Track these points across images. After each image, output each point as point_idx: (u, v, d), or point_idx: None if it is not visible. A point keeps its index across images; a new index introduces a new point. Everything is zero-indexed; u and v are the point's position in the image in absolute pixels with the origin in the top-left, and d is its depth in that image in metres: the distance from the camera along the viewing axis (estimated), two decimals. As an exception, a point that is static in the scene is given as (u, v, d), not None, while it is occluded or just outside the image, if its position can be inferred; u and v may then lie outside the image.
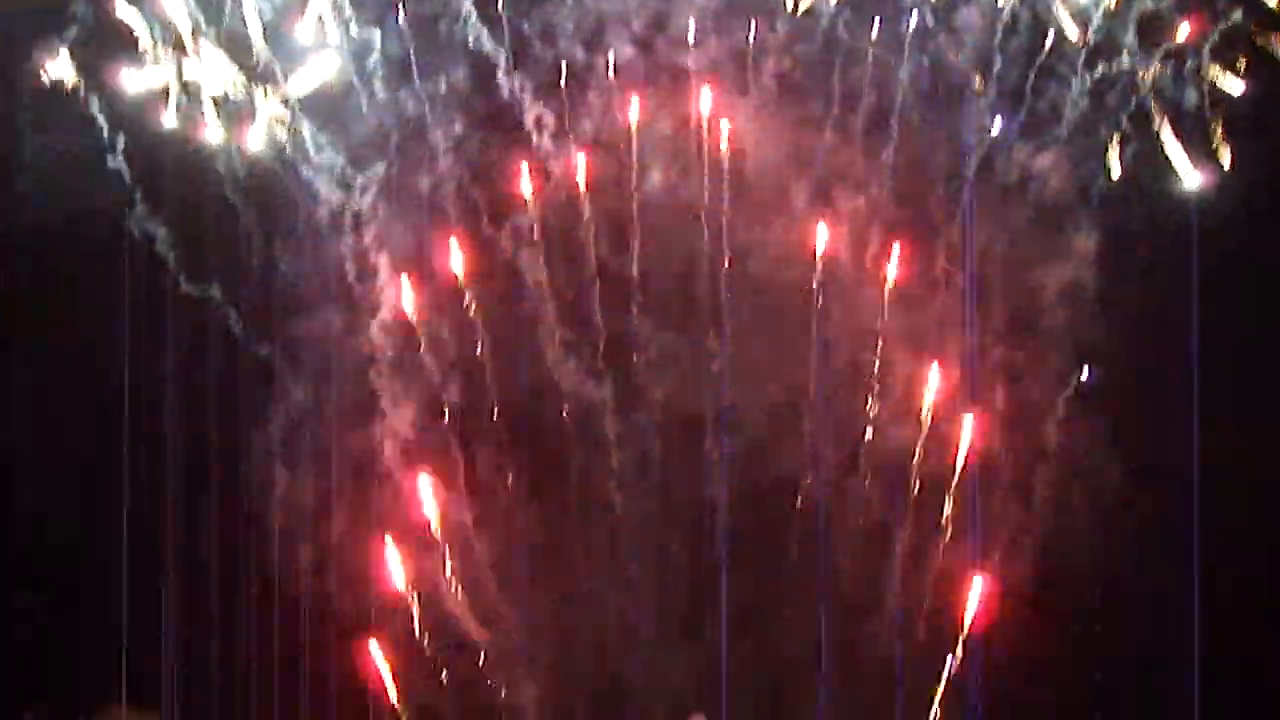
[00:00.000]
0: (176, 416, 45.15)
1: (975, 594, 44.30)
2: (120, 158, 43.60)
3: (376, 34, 43.99)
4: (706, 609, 46.76)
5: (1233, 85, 43.01)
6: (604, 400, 46.45)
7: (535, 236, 45.53)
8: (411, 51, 44.38)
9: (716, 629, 46.46)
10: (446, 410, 45.70)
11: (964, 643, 44.50)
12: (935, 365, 44.83)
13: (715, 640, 46.39)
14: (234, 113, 43.33)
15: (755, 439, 46.38)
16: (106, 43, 43.01)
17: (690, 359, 46.44)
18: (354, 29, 43.85)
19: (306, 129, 44.04)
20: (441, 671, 45.30)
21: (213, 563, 44.83)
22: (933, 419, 44.99)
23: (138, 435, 44.99)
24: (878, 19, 44.58)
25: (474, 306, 45.53)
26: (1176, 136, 43.31)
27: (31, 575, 45.12)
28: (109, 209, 44.02)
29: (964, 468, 44.76)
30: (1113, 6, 43.18)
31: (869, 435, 45.61)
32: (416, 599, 44.84)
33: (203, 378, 45.09)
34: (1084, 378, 44.36)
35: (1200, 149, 43.51)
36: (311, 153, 44.35)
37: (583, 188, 45.42)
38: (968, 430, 44.54)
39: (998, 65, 44.30)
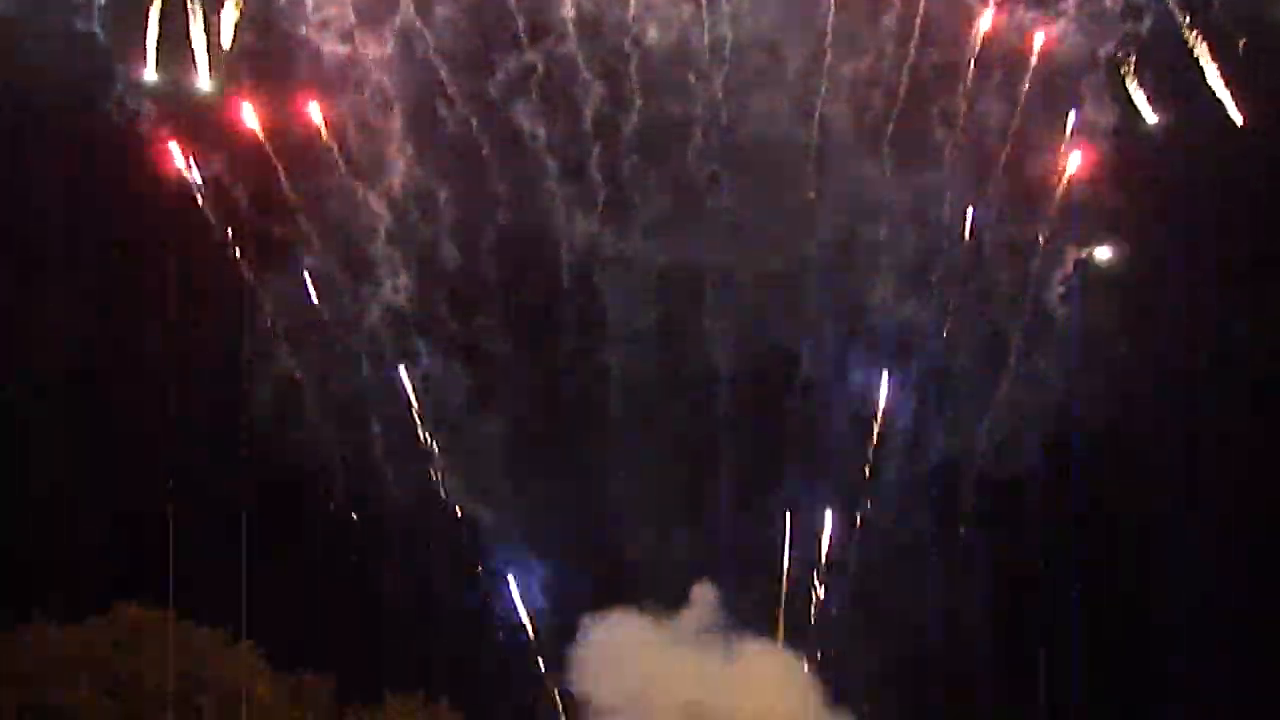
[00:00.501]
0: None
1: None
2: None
3: None
4: (706, 478, 47.52)
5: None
6: (601, 258, 45.91)
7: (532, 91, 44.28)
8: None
9: (717, 498, 47.47)
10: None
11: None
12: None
13: (716, 510, 47.42)
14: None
15: (755, 305, 46.51)
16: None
17: (689, 219, 45.94)
18: None
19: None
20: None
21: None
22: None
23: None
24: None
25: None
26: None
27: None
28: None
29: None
30: None
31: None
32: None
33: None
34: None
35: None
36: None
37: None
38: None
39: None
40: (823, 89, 44.51)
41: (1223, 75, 42.68)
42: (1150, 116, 43.61)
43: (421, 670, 43.93)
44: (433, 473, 45.81)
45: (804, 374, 46.82)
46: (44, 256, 45.04)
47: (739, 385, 46.80)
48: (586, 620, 45.21)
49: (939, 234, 45.84)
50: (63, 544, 42.51)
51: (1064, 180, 44.51)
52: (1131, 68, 43.63)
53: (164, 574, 42.65)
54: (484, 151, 44.54)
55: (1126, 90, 43.64)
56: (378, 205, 43.98)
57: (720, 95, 44.85)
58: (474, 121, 44.25)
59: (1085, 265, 45.09)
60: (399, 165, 43.53)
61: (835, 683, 45.43)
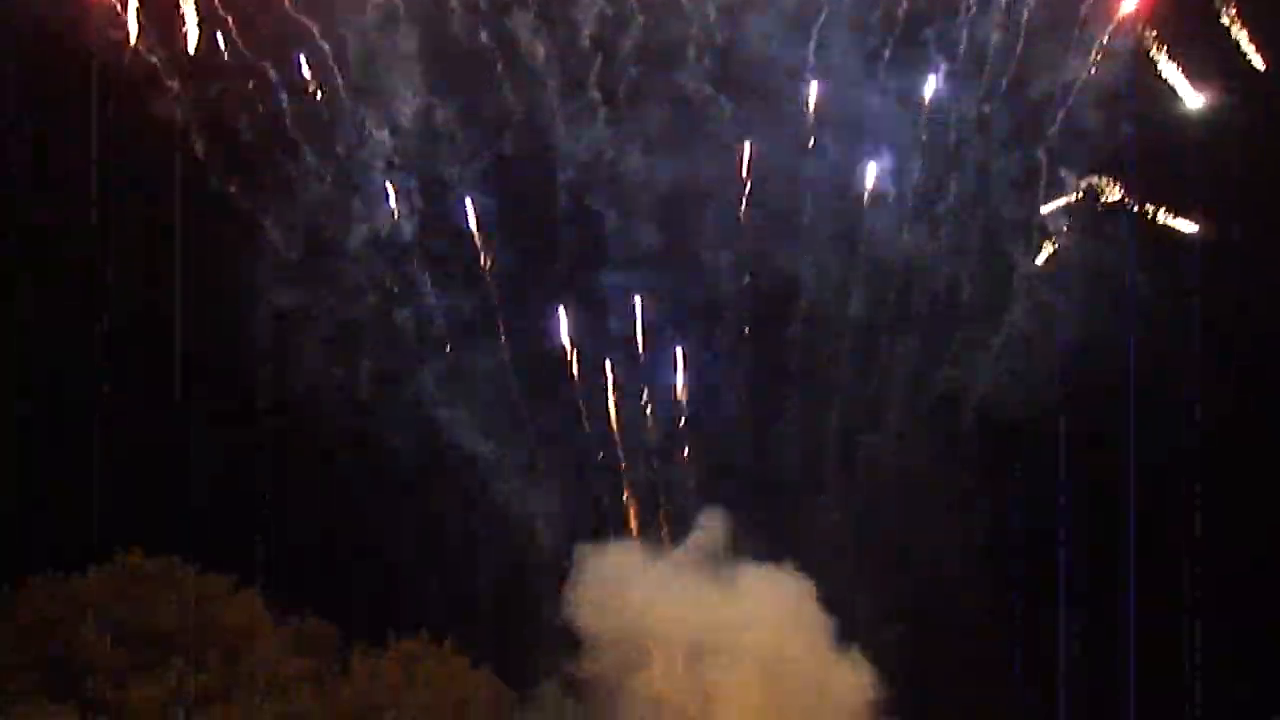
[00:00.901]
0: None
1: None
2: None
3: None
4: (710, 403, 47.29)
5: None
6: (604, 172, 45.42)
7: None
8: None
9: (727, 424, 47.22)
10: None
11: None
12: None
13: (725, 435, 47.25)
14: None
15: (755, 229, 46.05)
16: None
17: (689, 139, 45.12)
18: None
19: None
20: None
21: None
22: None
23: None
24: None
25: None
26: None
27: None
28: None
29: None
30: None
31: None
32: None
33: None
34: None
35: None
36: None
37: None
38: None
39: None
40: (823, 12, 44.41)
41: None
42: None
43: (426, 611, 44.08)
44: (433, 406, 46.18)
45: (805, 301, 46.76)
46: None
47: (740, 309, 46.76)
48: (582, 550, 45.05)
49: (941, 160, 45.78)
50: (64, 493, 43.06)
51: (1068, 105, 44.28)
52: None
53: (167, 522, 43.38)
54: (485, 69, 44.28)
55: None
56: (373, 125, 43.87)
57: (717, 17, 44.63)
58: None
59: (1091, 195, 44.85)
60: (397, 82, 43.29)
61: (846, 615, 45.17)
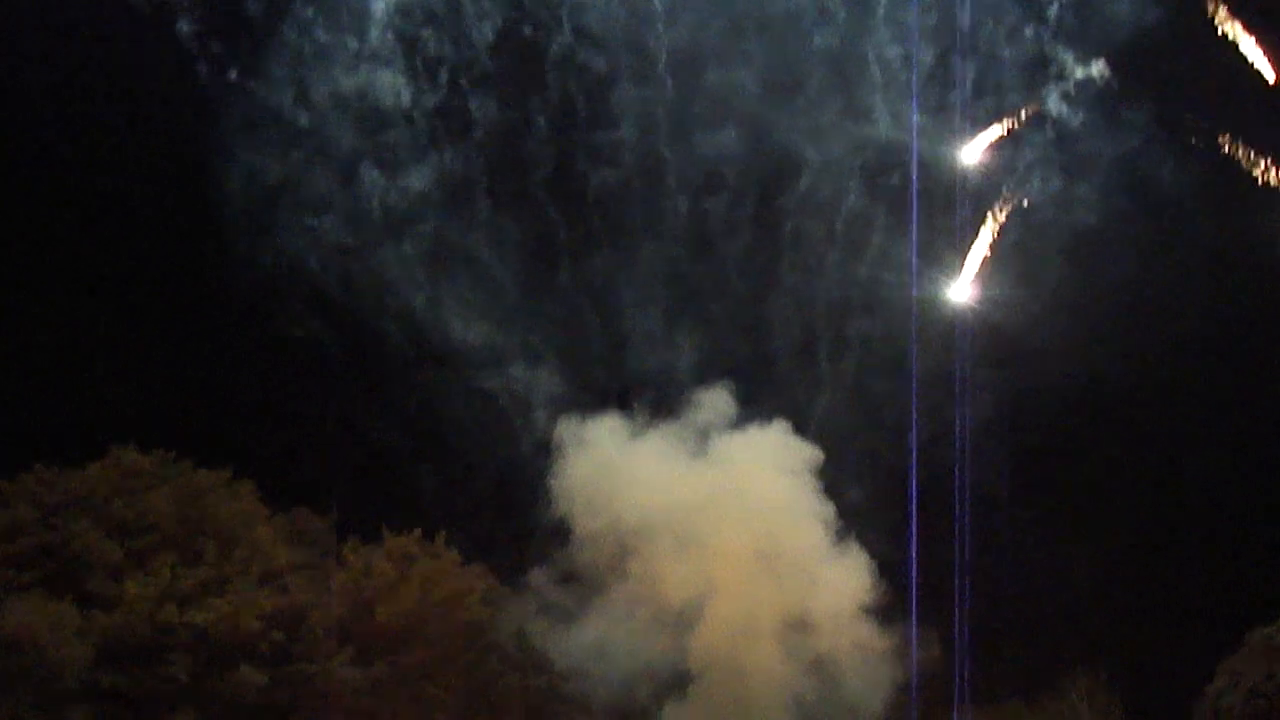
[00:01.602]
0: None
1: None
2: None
3: None
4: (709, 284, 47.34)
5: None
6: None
7: None
8: None
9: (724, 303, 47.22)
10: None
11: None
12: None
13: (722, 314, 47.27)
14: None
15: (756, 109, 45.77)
16: None
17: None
18: None
19: None
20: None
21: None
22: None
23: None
24: None
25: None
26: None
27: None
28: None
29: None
30: None
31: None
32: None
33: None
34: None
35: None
36: None
37: None
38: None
39: None
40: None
41: None
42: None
43: (419, 505, 44.52)
44: (422, 285, 46.01)
45: (805, 181, 46.61)
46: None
47: (738, 188, 46.77)
48: (567, 427, 44.89)
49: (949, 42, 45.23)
50: (61, 389, 43.18)
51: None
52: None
53: (162, 416, 43.55)
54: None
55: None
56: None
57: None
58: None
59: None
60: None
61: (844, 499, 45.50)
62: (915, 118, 44.90)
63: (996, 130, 45.06)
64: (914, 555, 43.69)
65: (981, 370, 45.38)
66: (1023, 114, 44.94)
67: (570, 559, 43.95)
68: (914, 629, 43.66)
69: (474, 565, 43.73)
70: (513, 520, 45.03)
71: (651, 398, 45.72)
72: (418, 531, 43.42)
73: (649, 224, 46.94)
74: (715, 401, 44.98)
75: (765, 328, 47.46)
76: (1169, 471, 45.71)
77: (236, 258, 44.02)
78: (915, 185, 44.44)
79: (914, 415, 44.20)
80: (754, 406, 45.06)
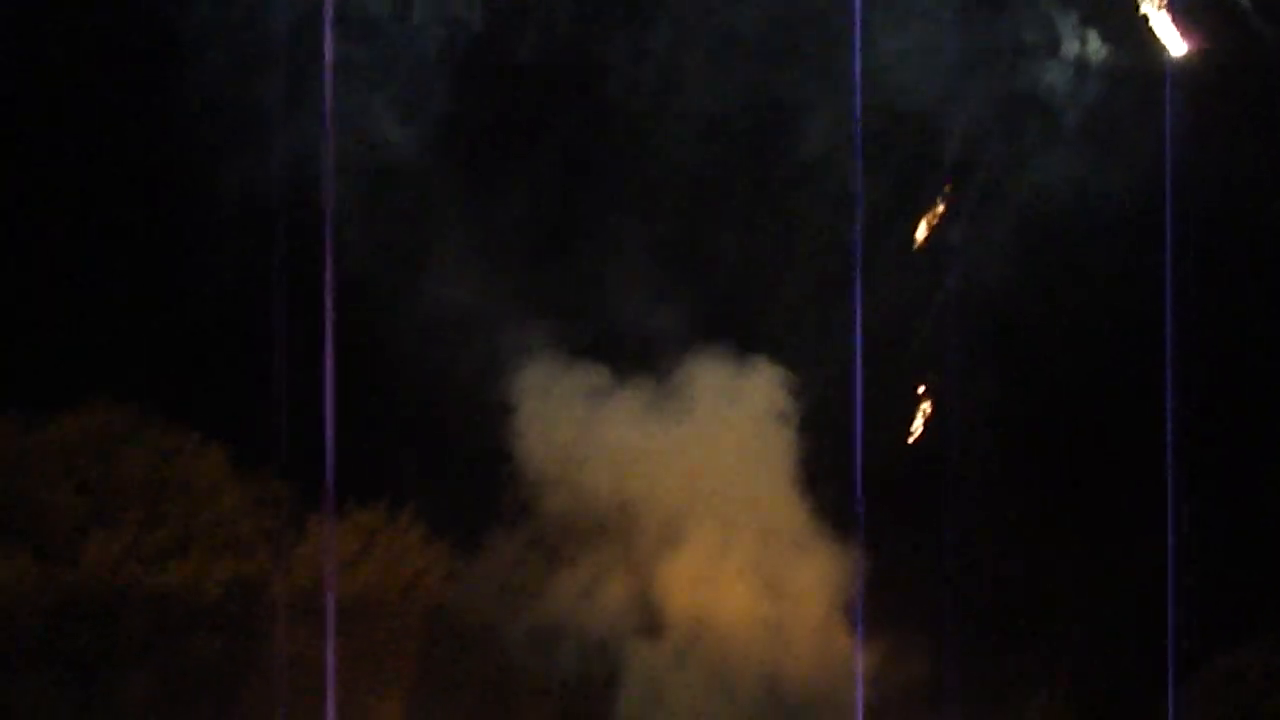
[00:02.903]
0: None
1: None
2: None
3: None
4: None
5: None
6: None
7: None
8: None
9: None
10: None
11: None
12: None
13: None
14: None
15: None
16: None
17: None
18: None
19: None
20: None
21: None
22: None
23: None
24: None
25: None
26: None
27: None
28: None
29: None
30: None
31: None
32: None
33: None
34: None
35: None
36: None
37: None
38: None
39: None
40: None
41: None
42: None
43: (384, 478, 44.02)
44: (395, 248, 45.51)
45: (804, 128, 46.05)
46: None
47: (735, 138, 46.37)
48: (527, 377, 44.43)
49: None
50: (30, 339, 42.86)
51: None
52: None
53: (135, 370, 43.32)
54: None
55: None
56: None
57: None
58: None
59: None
60: None
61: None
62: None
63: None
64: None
65: (972, 357, 45.69)
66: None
67: (536, 528, 43.74)
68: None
69: (437, 542, 43.67)
70: (479, 491, 44.83)
71: (628, 354, 45.02)
72: (382, 505, 43.45)
73: (632, 174, 46.41)
74: (695, 359, 44.48)
75: (756, 289, 47.30)
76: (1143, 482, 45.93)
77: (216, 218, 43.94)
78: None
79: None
80: (736, 366, 44.51)
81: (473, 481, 45.32)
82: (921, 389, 46.02)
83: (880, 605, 43.26)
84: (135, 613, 39.14)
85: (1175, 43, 42.62)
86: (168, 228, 44.67)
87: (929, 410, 45.86)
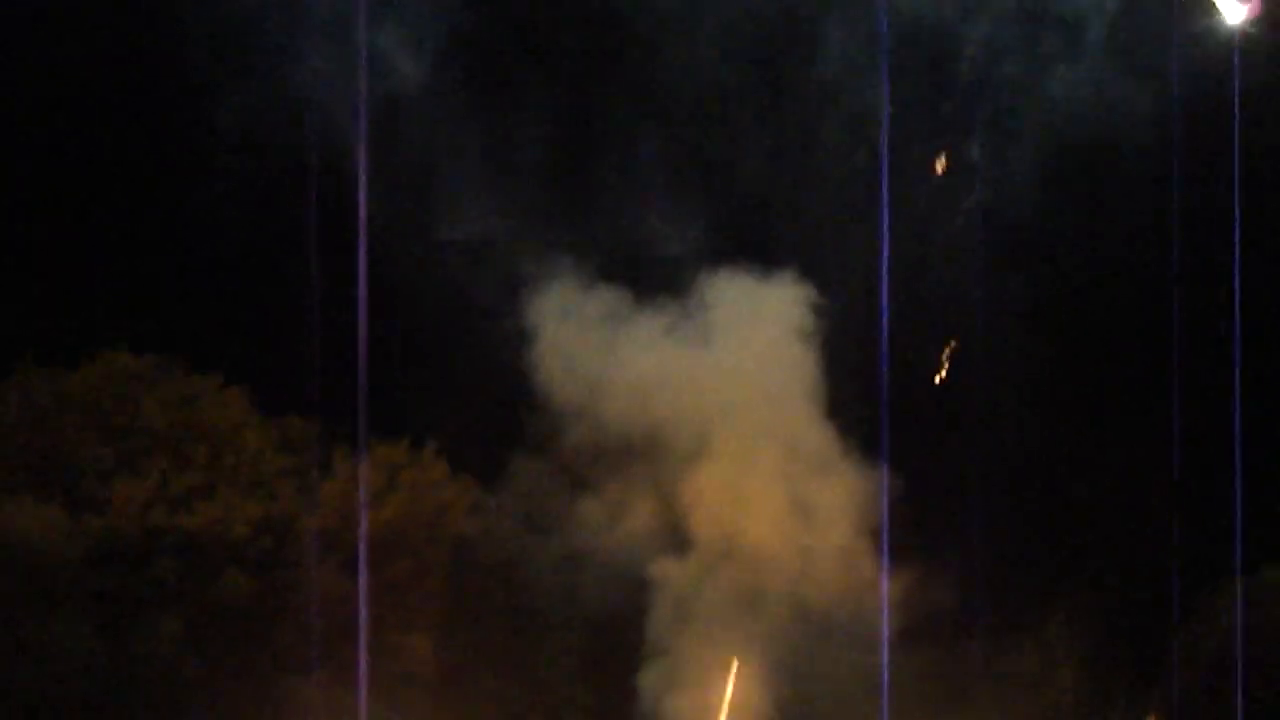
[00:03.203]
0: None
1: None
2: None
3: None
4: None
5: None
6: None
7: None
8: None
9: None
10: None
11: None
12: None
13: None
14: None
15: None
16: None
17: None
18: None
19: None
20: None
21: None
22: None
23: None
24: None
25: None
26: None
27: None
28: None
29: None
30: None
31: None
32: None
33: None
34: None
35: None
36: None
37: None
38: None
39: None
40: None
41: None
42: None
43: (408, 413, 44.21)
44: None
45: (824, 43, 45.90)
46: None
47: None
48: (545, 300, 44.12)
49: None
50: (52, 289, 43.15)
51: None
52: None
53: (153, 320, 43.61)
54: None
55: None
56: None
57: None
58: None
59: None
60: None
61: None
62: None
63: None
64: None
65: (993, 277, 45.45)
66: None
67: (560, 456, 43.68)
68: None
69: (461, 477, 44.10)
70: (503, 422, 44.83)
71: (648, 276, 45.03)
72: (405, 441, 43.86)
73: (649, 93, 46.28)
74: (716, 279, 44.29)
75: (777, 207, 47.09)
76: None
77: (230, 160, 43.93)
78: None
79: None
80: (758, 285, 44.39)
81: (495, 412, 45.70)
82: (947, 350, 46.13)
83: (904, 527, 43.55)
84: (165, 555, 39.48)
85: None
86: (181, 173, 44.97)
87: (954, 347, 45.85)
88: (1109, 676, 39.15)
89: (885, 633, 40.46)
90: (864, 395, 44.16)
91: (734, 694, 42.69)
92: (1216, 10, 42.52)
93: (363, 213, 41.14)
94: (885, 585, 41.48)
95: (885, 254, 43.59)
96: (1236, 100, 43.45)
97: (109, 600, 38.82)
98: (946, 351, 45.11)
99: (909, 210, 46.38)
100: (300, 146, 44.07)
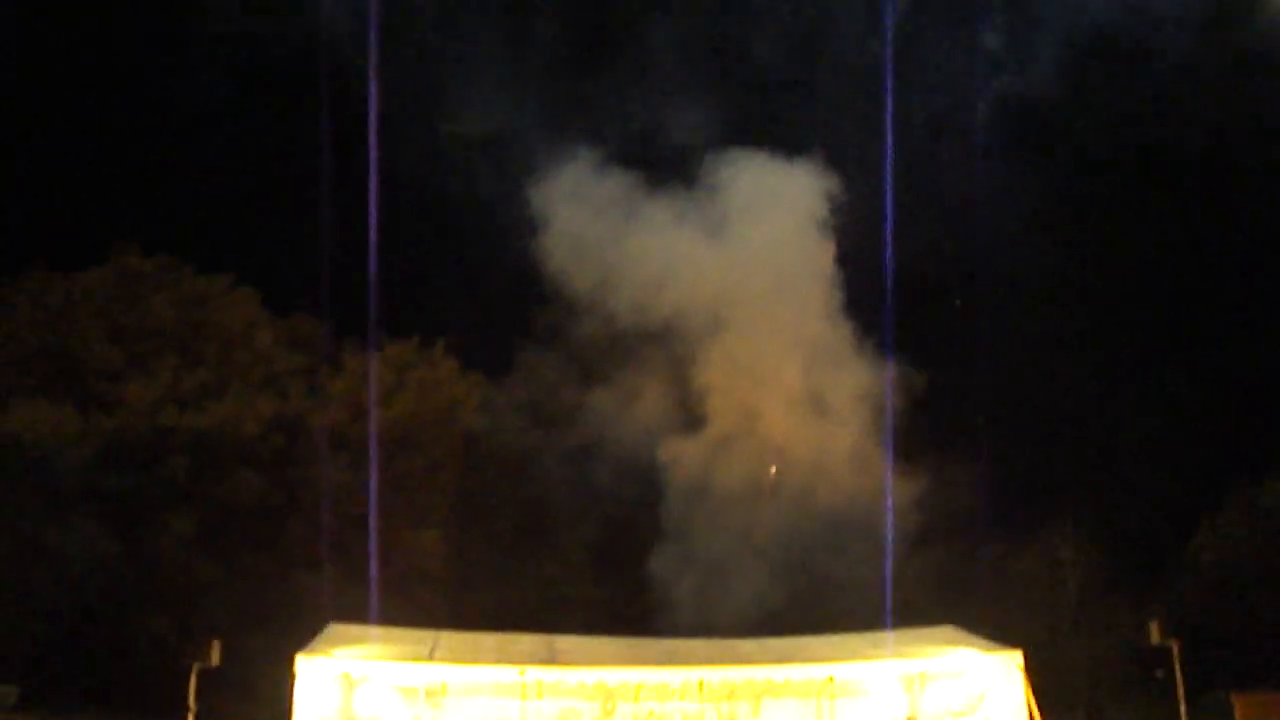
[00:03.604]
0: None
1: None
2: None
3: None
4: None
5: None
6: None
7: None
8: None
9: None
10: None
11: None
12: None
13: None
14: None
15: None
16: None
17: None
18: None
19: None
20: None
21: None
22: None
23: None
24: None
25: None
26: None
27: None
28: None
29: None
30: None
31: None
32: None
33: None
34: None
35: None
36: None
37: None
38: None
39: None
40: None
41: None
42: None
43: (419, 312, 44.48)
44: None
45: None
46: None
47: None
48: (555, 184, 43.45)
49: None
50: (62, 191, 43.22)
51: None
52: None
53: (163, 222, 43.62)
54: None
55: None
56: None
57: None
58: None
59: None
60: None
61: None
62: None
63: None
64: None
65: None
66: None
67: (571, 346, 43.63)
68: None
69: (471, 374, 44.23)
70: (513, 314, 44.69)
71: (660, 161, 44.69)
72: (415, 338, 44.01)
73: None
74: (730, 165, 43.84)
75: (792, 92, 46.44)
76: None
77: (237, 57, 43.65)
78: None
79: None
80: (773, 171, 43.97)
81: (505, 304, 45.36)
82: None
83: (918, 430, 43.28)
84: (176, 454, 39.55)
85: None
86: (188, 72, 44.84)
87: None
88: (1113, 583, 38.83)
89: (889, 523, 40.40)
90: (878, 283, 44.00)
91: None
92: None
93: (374, 107, 41.11)
94: (889, 478, 41.36)
95: (889, 144, 43.18)
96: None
97: (120, 501, 38.80)
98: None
99: (930, 99, 45.81)
100: (308, 42, 43.86)
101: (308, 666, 29.34)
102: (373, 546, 39.05)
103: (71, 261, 41.90)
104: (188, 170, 44.00)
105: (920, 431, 43.14)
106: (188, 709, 28.18)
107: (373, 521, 39.72)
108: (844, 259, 43.89)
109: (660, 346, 43.43)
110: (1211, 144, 43.98)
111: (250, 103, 44.42)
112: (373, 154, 40.66)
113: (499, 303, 44.78)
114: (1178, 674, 30.65)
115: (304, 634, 30.25)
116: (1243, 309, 43.30)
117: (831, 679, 31.14)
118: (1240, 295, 43.60)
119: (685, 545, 42.23)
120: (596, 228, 43.25)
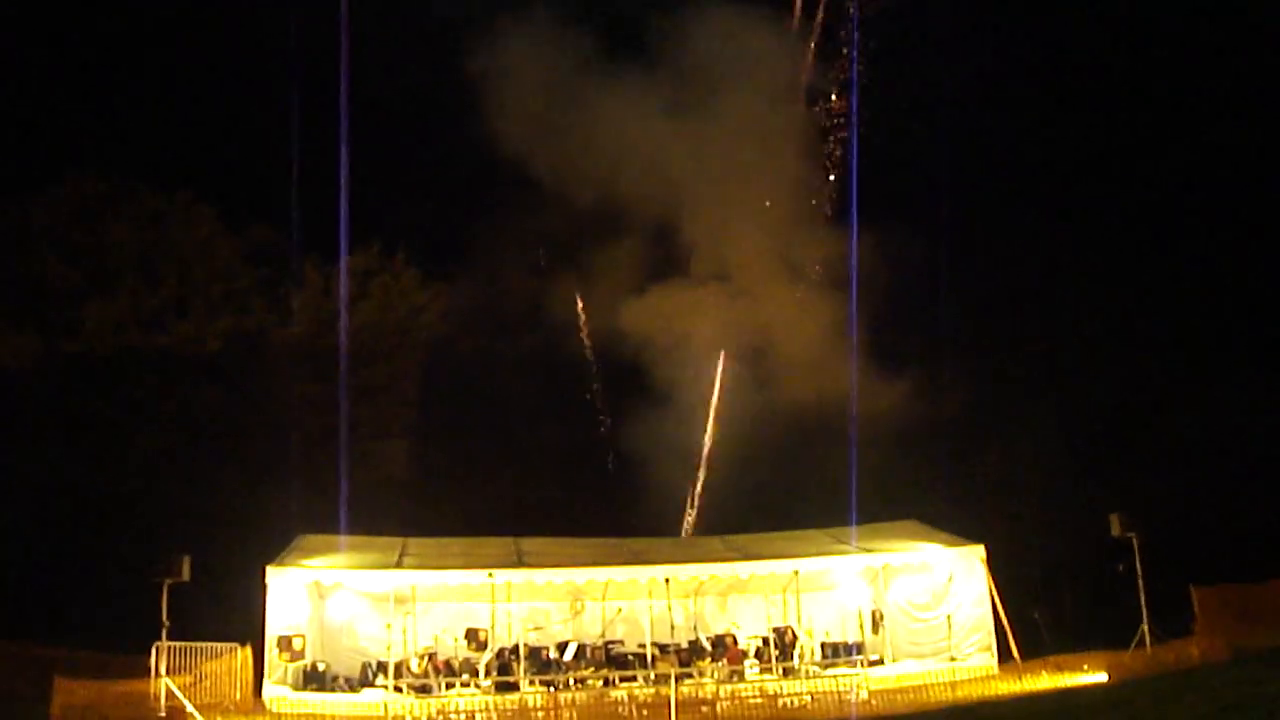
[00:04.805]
0: None
1: None
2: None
3: None
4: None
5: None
6: None
7: None
8: None
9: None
10: None
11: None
12: None
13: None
14: None
15: None
16: None
17: None
18: None
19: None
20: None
21: None
22: None
23: None
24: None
25: None
26: None
27: None
28: None
29: None
30: None
31: None
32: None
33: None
34: None
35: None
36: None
37: None
38: None
39: None
40: None
41: None
42: None
43: (378, 221, 43.94)
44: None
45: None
46: None
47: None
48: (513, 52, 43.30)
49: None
50: (12, 115, 42.51)
51: None
52: None
53: (116, 141, 42.96)
54: None
55: None
56: None
57: None
58: None
59: None
60: None
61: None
62: None
63: None
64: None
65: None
66: None
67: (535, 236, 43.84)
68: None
69: (434, 282, 44.21)
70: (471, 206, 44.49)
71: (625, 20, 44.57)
72: (376, 247, 43.76)
73: None
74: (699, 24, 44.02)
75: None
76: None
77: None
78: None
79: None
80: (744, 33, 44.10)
81: (463, 196, 45.02)
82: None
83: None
84: (139, 373, 39.57)
85: None
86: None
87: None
88: (1074, 479, 39.05)
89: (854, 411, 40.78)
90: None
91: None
92: None
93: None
94: (855, 376, 41.75)
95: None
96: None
97: (84, 420, 38.87)
98: None
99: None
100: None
101: (278, 577, 29.67)
102: (342, 457, 39.44)
103: (25, 185, 40.97)
104: (139, 87, 43.46)
105: (885, 339, 43.66)
106: (161, 624, 28.41)
107: (343, 433, 40.06)
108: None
109: (623, 230, 43.86)
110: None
111: (200, 14, 43.77)
112: (344, 58, 40.73)
113: (457, 194, 44.57)
114: (1137, 566, 31.00)
115: (274, 546, 30.57)
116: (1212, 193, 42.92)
117: (797, 573, 31.71)
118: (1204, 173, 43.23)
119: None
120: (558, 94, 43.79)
